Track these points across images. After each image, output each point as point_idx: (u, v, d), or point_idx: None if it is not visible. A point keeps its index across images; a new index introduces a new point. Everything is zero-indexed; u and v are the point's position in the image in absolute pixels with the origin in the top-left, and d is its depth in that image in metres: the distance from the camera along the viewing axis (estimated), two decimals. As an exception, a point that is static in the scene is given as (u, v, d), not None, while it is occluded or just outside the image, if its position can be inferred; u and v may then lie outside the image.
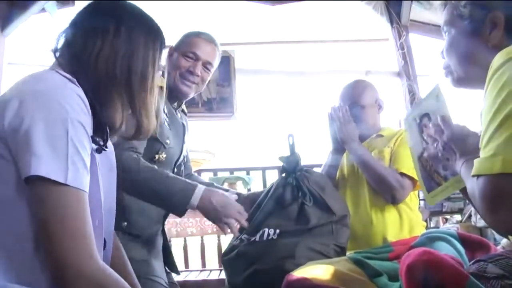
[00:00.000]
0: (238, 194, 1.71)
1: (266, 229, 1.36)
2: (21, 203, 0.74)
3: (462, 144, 0.91)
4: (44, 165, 0.70)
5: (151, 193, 1.32)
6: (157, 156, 1.47)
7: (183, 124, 1.65)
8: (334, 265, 1.03)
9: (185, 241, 2.77)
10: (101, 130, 0.87)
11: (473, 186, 0.74)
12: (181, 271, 2.45)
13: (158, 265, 1.52)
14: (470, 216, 3.22)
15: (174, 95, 1.59)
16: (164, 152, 1.48)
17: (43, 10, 3.34)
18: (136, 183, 1.31)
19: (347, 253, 1.40)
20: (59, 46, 0.89)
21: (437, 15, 1.05)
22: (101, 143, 0.87)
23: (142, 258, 1.44)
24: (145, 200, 1.38)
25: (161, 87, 1.53)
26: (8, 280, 0.71)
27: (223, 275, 1.47)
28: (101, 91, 0.85)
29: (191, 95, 1.63)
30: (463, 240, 1.13)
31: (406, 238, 1.50)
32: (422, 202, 3.45)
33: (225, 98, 3.65)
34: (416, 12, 3.78)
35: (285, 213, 1.39)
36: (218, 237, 2.83)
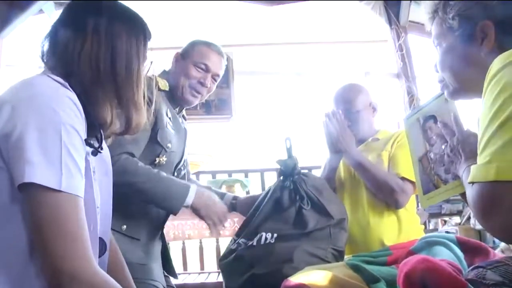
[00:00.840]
0: (236, 198, 1.72)
1: (264, 233, 1.35)
2: (15, 210, 0.73)
3: (470, 149, 0.90)
4: (38, 171, 0.69)
5: (147, 194, 1.36)
6: (157, 160, 1.47)
7: (185, 128, 1.65)
8: (332, 271, 1.02)
9: (183, 243, 2.77)
10: (95, 132, 0.87)
11: (469, 192, 0.74)
12: (180, 274, 2.45)
13: (156, 269, 1.51)
14: (469, 218, 3.22)
15: (176, 99, 1.60)
16: (164, 156, 1.48)
17: (41, 11, 3.33)
18: (133, 184, 1.33)
19: (345, 257, 1.40)
20: (45, 50, 0.89)
21: (428, 23, 1.05)
22: (96, 145, 0.86)
23: (141, 262, 1.43)
24: (142, 200, 1.41)
25: (164, 91, 1.53)
26: (2, 287, 0.71)
27: (221, 278, 1.47)
28: (89, 89, 0.85)
29: (194, 104, 1.66)
30: (462, 244, 1.13)
31: (404, 242, 1.50)
32: (420, 205, 3.45)
33: (224, 100, 3.65)
34: (415, 13, 3.78)
35: (282, 217, 1.39)
36: (217, 240, 2.83)
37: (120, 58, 0.88)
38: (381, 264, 1.22)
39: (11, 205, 0.73)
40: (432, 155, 1.04)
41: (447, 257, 1.06)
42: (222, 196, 1.74)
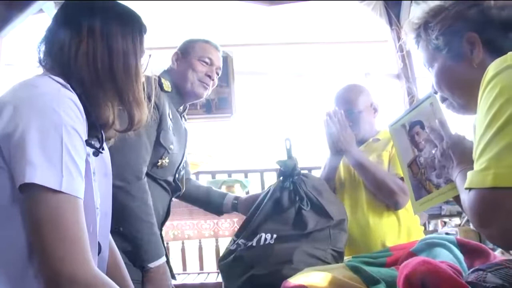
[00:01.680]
0: (237, 198, 1.73)
1: (263, 234, 1.35)
2: (15, 210, 0.73)
3: (461, 153, 0.90)
4: (39, 172, 0.70)
5: (135, 226, 1.32)
6: (160, 162, 1.47)
7: (185, 129, 1.66)
8: (331, 272, 1.02)
9: (182, 244, 2.77)
10: (95, 133, 0.87)
11: (465, 198, 0.74)
12: (179, 274, 2.44)
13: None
14: (468, 220, 3.22)
15: (183, 97, 1.62)
16: (167, 158, 1.49)
17: (40, 10, 3.33)
18: (132, 208, 1.32)
19: (345, 258, 1.39)
20: (42, 53, 0.89)
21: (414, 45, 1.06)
22: (97, 145, 0.86)
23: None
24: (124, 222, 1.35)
25: (167, 92, 1.53)
26: (1, 287, 0.71)
27: (220, 278, 1.46)
28: (89, 90, 0.85)
29: (203, 97, 1.69)
30: (462, 246, 1.12)
31: (404, 242, 1.49)
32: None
33: (224, 99, 3.65)
34: (416, 14, 3.78)
35: (282, 218, 1.39)
36: (216, 240, 2.83)
37: (117, 56, 0.88)
38: (380, 265, 1.21)
39: (11, 205, 0.73)
40: (422, 160, 1.04)
41: (447, 259, 1.05)
42: (223, 196, 1.76)
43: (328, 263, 1.28)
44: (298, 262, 1.23)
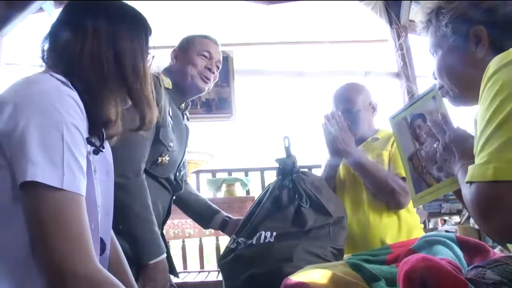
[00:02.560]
0: (229, 218, 1.74)
1: (263, 232, 1.35)
2: (17, 208, 0.73)
3: (463, 147, 0.91)
4: (40, 170, 0.69)
5: (134, 223, 1.32)
6: (160, 159, 1.47)
7: (186, 126, 1.65)
8: (332, 270, 1.02)
9: (183, 242, 2.77)
10: (96, 131, 0.87)
11: (466, 192, 0.75)
12: (180, 273, 2.44)
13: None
14: (468, 217, 3.22)
15: (185, 92, 1.62)
16: (167, 155, 1.48)
17: (40, 9, 3.34)
18: (129, 207, 1.31)
19: (345, 256, 1.40)
20: (45, 49, 0.88)
21: (423, 32, 1.06)
22: (98, 143, 0.86)
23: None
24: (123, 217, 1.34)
25: (167, 89, 1.53)
26: (4, 286, 0.71)
27: (221, 277, 1.46)
28: (92, 88, 0.84)
29: (205, 91, 1.67)
30: (462, 244, 1.13)
31: (404, 240, 1.50)
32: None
33: (224, 98, 3.65)
34: (416, 13, 3.78)
35: (281, 216, 1.39)
36: (217, 238, 2.83)
37: (126, 57, 0.88)
38: (380, 262, 1.22)
39: (13, 204, 0.73)
40: (423, 154, 1.05)
41: (446, 256, 1.06)
42: (216, 212, 1.75)
43: (328, 261, 1.28)
44: (298, 260, 1.23)
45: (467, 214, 3.27)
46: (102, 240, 0.91)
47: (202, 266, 2.80)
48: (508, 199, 0.65)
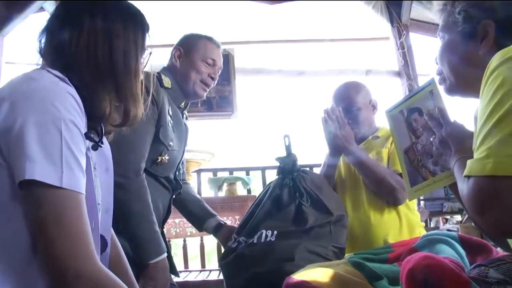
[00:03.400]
0: (224, 223, 1.73)
1: (264, 231, 1.35)
2: (16, 207, 0.72)
3: (459, 141, 0.91)
4: (39, 168, 0.69)
5: (134, 223, 1.31)
6: (159, 158, 1.47)
7: (185, 125, 1.65)
8: (334, 268, 1.02)
9: (184, 241, 2.77)
10: (95, 126, 0.86)
11: (463, 186, 0.75)
12: (181, 272, 2.45)
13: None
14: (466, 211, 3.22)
15: (184, 95, 1.62)
16: (167, 154, 1.48)
17: (41, 9, 3.34)
18: (128, 205, 1.31)
19: (346, 255, 1.40)
20: (42, 44, 0.88)
21: (438, 14, 1.06)
22: (96, 139, 0.86)
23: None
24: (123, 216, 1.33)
25: (167, 88, 1.53)
26: (4, 286, 0.71)
27: (222, 276, 1.46)
28: (88, 83, 0.83)
29: (204, 97, 1.69)
30: (464, 242, 1.12)
31: (406, 239, 1.50)
32: (422, 203, 3.46)
33: (225, 97, 3.65)
34: (417, 11, 3.78)
35: (282, 214, 1.39)
36: (218, 237, 2.82)
37: (118, 51, 0.87)
38: (382, 261, 1.21)
39: (12, 203, 0.72)
40: (419, 147, 1.05)
41: (449, 255, 1.05)
42: (211, 215, 1.74)
43: (330, 260, 1.28)
44: (299, 259, 1.23)
45: (463, 204, 3.27)
46: (103, 237, 0.91)
47: (203, 265, 2.80)
48: (506, 194, 0.65)
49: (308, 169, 1.67)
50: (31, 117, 0.71)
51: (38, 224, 0.70)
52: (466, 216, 3.31)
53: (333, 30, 4.31)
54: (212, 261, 3.20)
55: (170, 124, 1.50)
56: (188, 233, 2.66)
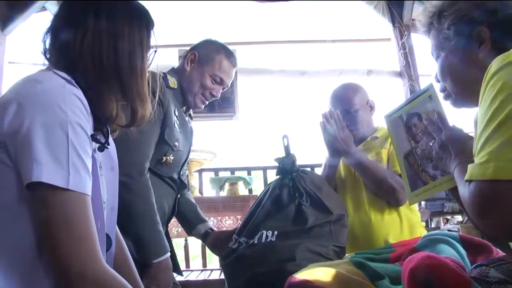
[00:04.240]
0: (211, 230, 1.72)
1: (265, 231, 1.35)
2: (23, 208, 0.73)
3: (459, 145, 0.92)
4: (46, 170, 0.69)
5: (137, 223, 1.32)
6: (164, 158, 1.47)
7: (191, 127, 1.66)
8: (336, 268, 1.02)
9: (186, 241, 2.77)
10: (100, 126, 0.87)
11: (464, 190, 0.75)
12: (182, 271, 2.45)
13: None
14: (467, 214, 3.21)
15: (185, 100, 1.62)
16: (171, 155, 1.49)
17: (43, 8, 3.35)
18: (132, 205, 1.31)
19: (347, 255, 1.40)
20: (47, 45, 0.88)
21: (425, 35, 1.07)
22: (102, 140, 0.86)
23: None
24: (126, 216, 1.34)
25: (173, 89, 1.53)
26: (11, 286, 0.71)
27: (224, 276, 1.47)
28: (94, 84, 0.84)
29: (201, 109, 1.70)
30: (465, 243, 1.13)
31: (407, 239, 1.50)
32: (423, 203, 3.46)
33: (227, 97, 3.64)
34: (418, 12, 3.77)
35: (282, 214, 1.39)
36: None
37: (123, 51, 0.87)
38: (383, 260, 1.22)
39: (19, 204, 0.73)
40: (419, 152, 1.05)
41: (450, 254, 1.06)
42: (201, 221, 1.73)
43: (330, 259, 1.28)
44: (300, 259, 1.23)
45: (464, 208, 3.26)
46: (107, 236, 0.91)
47: (204, 264, 2.80)
48: (507, 198, 0.66)
49: (309, 169, 1.68)
50: (38, 119, 0.71)
51: (44, 225, 0.70)
52: (467, 217, 3.31)
53: (334, 31, 4.32)
54: (213, 261, 3.20)
55: (176, 125, 1.50)
56: (190, 233, 2.66)
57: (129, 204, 1.28)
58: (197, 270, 2.65)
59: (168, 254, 1.37)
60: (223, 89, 1.66)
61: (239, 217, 2.68)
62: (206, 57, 1.61)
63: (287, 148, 1.53)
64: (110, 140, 0.93)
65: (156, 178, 1.46)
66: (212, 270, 2.61)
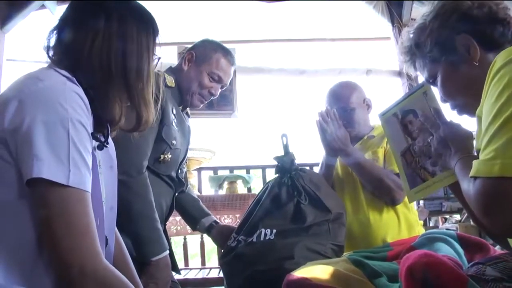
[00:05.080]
0: (216, 222, 1.73)
1: (263, 230, 1.36)
2: (23, 205, 0.74)
3: (458, 141, 0.91)
4: (46, 167, 0.70)
5: (136, 221, 1.32)
6: (162, 157, 1.47)
7: (188, 125, 1.66)
8: (334, 266, 1.03)
9: (184, 239, 2.77)
10: (101, 126, 0.87)
11: (469, 186, 0.75)
12: (181, 269, 2.45)
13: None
14: (469, 213, 3.22)
15: (183, 99, 1.62)
16: (169, 153, 1.49)
17: (43, 7, 3.34)
18: (131, 203, 1.31)
19: (345, 253, 1.41)
20: (51, 43, 0.88)
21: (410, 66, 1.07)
22: (102, 139, 0.86)
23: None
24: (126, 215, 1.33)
25: (171, 88, 1.54)
26: (11, 283, 0.72)
27: (222, 274, 1.47)
28: (99, 85, 0.84)
29: (199, 108, 1.70)
30: (462, 241, 1.13)
31: (405, 238, 1.50)
32: (421, 202, 3.46)
33: (226, 95, 3.64)
34: (418, 11, 3.78)
35: (281, 213, 1.39)
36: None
37: (131, 56, 0.88)
38: (381, 259, 1.22)
39: (19, 200, 0.74)
40: (416, 149, 1.05)
41: (447, 253, 1.06)
42: (205, 215, 1.74)
43: (329, 258, 1.29)
44: (299, 257, 1.24)
45: (469, 204, 3.26)
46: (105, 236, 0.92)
47: (203, 263, 2.80)
48: None
49: (308, 168, 1.68)
50: (39, 116, 0.72)
51: (44, 222, 0.71)
52: (465, 215, 3.32)
53: (334, 30, 4.32)
54: (212, 259, 3.20)
55: (173, 123, 1.50)
56: (189, 231, 2.66)
57: (128, 203, 1.28)
58: (196, 268, 2.65)
59: (167, 252, 1.37)
60: (221, 87, 1.66)
61: (238, 215, 2.68)
62: (203, 55, 1.61)
63: (286, 147, 1.54)
64: (109, 139, 0.94)
65: (154, 176, 1.46)
66: (211, 268, 2.61)
